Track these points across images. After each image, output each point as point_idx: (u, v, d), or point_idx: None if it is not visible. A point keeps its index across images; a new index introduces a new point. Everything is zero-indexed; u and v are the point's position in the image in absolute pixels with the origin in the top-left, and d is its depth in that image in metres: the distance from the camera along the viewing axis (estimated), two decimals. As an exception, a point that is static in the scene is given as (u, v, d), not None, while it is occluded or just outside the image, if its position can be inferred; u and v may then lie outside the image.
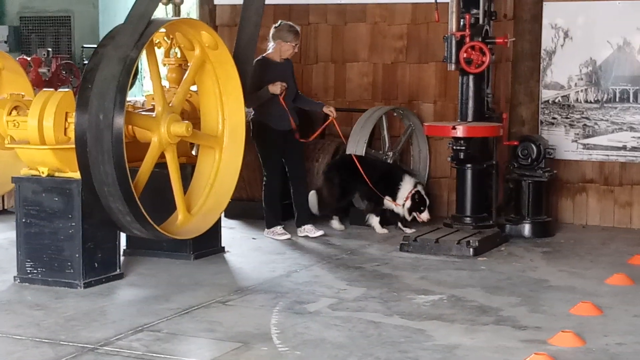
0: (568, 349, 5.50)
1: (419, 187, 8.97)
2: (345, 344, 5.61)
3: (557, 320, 6.11)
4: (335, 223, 9.22)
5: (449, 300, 6.65)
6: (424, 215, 8.97)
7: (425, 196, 8.96)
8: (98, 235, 6.97)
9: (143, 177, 6.99)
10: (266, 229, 8.89)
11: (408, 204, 8.91)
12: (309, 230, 8.88)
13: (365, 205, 9.25)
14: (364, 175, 8.78)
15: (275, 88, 8.54)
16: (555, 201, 9.59)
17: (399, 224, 9.09)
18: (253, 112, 8.73)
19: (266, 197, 8.87)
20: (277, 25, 8.80)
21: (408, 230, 8.90)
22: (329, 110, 8.90)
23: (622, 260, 7.93)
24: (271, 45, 8.75)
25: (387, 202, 8.97)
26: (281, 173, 8.91)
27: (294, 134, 8.74)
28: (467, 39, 8.39)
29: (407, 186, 8.94)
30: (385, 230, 9.06)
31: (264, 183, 8.87)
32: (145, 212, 6.69)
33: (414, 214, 8.96)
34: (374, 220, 9.12)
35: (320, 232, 8.86)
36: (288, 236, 8.77)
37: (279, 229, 8.82)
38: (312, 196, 9.21)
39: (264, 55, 8.75)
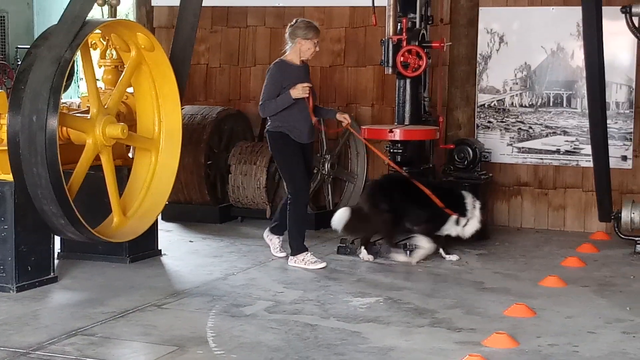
0: (502, 350, 5.56)
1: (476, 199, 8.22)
2: (281, 347, 5.60)
3: (491, 322, 6.17)
4: (364, 254, 8.07)
5: (385, 302, 6.68)
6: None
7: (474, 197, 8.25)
8: (31, 238, 6.87)
9: (77, 180, 6.92)
10: (293, 257, 7.81)
11: (477, 215, 8.09)
12: (276, 245, 8.15)
13: (418, 229, 8.02)
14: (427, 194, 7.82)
15: (298, 92, 7.66)
16: (490, 204, 9.67)
17: (441, 251, 8.11)
18: (269, 122, 7.91)
19: (293, 219, 7.78)
20: (293, 23, 7.94)
21: (454, 258, 8.12)
22: (343, 116, 8.08)
23: (555, 262, 8.04)
24: (288, 46, 7.89)
25: (451, 222, 7.99)
26: (308, 188, 8.10)
27: (312, 145, 8.05)
28: (404, 43, 8.44)
29: (470, 200, 8.15)
30: (456, 257, 8.13)
31: (289, 202, 7.82)
32: (79, 215, 6.62)
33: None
34: (426, 249, 7.96)
35: (282, 254, 8.07)
36: (324, 264, 7.76)
37: (309, 256, 7.78)
38: (345, 213, 8.02)
39: (281, 58, 7.91)
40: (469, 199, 8.14)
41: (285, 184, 8.06)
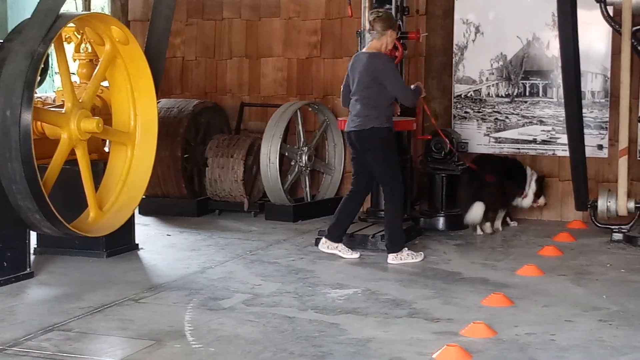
0: (479, 339, 5.58)
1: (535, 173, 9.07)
2: (260, 339, 5.59)
3: (469, 312, 6.19)
4: (480, 230, 8.80)
5: (363, 294, 6.68)
6: (542, 200, 9.10)
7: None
8: (7, 234, 6.82)
9: (53, 174, 6.88)
10: (395, 254, 7.65)
11: (533, 188, 8.97)
12: (344, 249, 7.85)
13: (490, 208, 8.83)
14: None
15: (422, 89, 7.89)
16: (468, 194, 9.69)
17: (508, 219, 9.14)
18: (372, 118, 7.60)
19: (395, 214, 7.69)
20: (379, 14, 7.65)
21: (514, 224, 9.15)
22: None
23: (532, 251, 8.07)
24: (374, 38, 7.61)
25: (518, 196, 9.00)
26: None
27: None
28: (380, 34, 8.42)
29: (530, 175, 9.02)
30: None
31: (391, 196, 7.68)
32: (55, 210, 6.58)
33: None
34: (498, 222, 8.94)
35: (357, 254, 7.85)
36: (422, 255, 7.78)
37: (407, 250, 7.73)
38: (479, 207, 8.64)
39: (379, 50, 7.61)
40: (528, 173, 9.00)
41: (381, 179, 7.76)
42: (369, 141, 7.64)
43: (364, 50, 7.87)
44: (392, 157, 7.75)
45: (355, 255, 7.81)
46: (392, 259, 7.66)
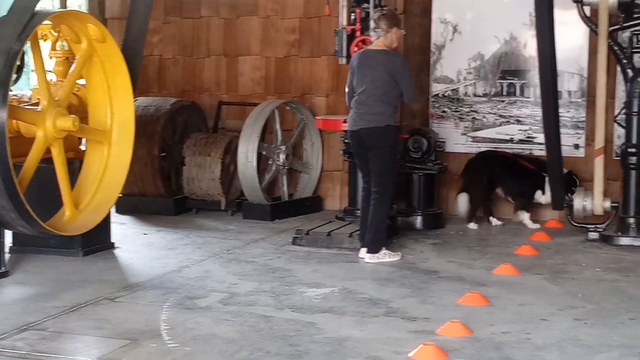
0: (455, 338, 5.58)
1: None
2: (236, 338, 5.58)
3: (445, 311, 6.20)
4: (472, 224, 9.04)
5: (340, 293, 6.68)
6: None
7: (575, 176, 9.04)
8: (-19, 232, 6.79)
9: (28, 173, 6.84)
10: (375, 254, 7.63)
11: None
12: (385, 253, 7.71)
13: (516, 202, 9.22)
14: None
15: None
16: (445, 193, 9.72)
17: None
18: (385, 115, 7.60)
19: (384, 212, 7.68)
20: (384, 12, 7.76)
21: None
22: None
23: (508, 250, 8.10)
24: (379, 36, 7.65)
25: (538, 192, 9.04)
26: None
27: None
28: (358, 33, 8.44)
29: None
30: (537, 225, 9.02)
31: (382, 195, 7.62)
32: (30, 209, 6.54)
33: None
34: (526, 216, 9.10)
35: (397, 257, 7.75)
36: (400, 255, 7.77)
37: (384, 249, 7.70)
38: (464, 198, 9.08)
39: (388, 47, 7.67)
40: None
41: (380, 175, 7.63)
42: (382, 139, 7.59)
43: (370, 47, 7.80)
44: (396, 156, 7.84)
45: (397, 257, 7.72)
46: (369, 257, 7.66)
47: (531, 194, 9.08)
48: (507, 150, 9.39)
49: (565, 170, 8.86)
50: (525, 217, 9.12)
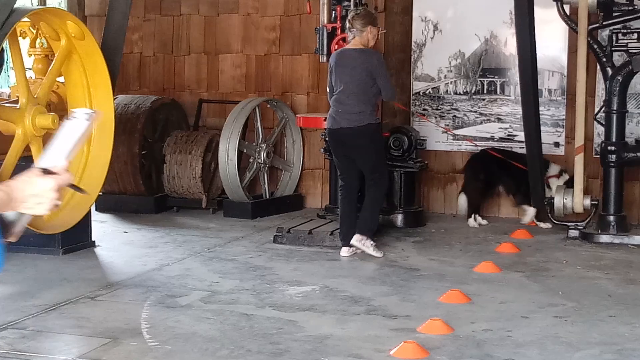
0: (436, 336, 5.59)
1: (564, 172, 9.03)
2: (217, 337, 5.57)
3: (426, 309, 6.20)
4: (472, 221, 9.05)
5: (321, 291, 6.68)
6: None
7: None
8: (-40, 231, 6.73)
9: (7, 171, 6.79)
10: (363, 236, 7.67)
11: (562, 181, 8.88)
12: (367, 245, 7.73)
13: (516, 199, 9.21)
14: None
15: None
16: (426, 191, 9.74)
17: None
18: (368, 114, 7.65)
19: (378, 202, 7.84)
20: (357, 12, 7.84)
21: (544, 225, 8.93)
22: None
23: (489, 248, 8.12)
24: (355, 36, 7.68)
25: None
26: None
27: None
28: (339, 31, 8.44)
29: (553, 170, 9.00)
30: (548, 225, 8.87)
31: (379, 186, 7.74)
32: (9, 207, 6.49)
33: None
34: (532, 211, 9.01)
35: (379, 254, 7.76)
36: (382, 254, 7.76)
37: (371, 241, 7.76)
38: (463, 198, 9.15)
39: (367, 46, 7.70)
40: (552, 169, 9.02)
41: (371, 172, 7.72)
42: (364, 137, 7.62)
43: (348, 47, 7.79)
44: (382, 150, 8.07)
45: (380, 254, 7.72)
46: (356, 240, 7.65)
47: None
48: (507, 148, 9.38)
49: (560, 168, 8.98)
50: (530, 212, 9.02)
